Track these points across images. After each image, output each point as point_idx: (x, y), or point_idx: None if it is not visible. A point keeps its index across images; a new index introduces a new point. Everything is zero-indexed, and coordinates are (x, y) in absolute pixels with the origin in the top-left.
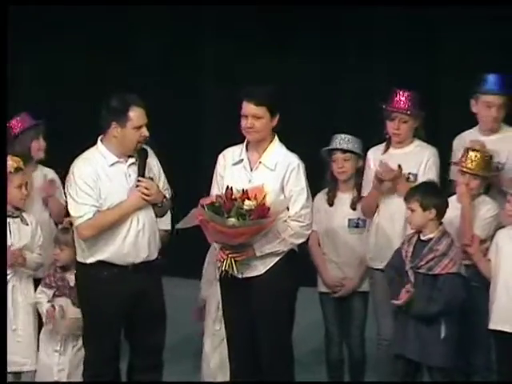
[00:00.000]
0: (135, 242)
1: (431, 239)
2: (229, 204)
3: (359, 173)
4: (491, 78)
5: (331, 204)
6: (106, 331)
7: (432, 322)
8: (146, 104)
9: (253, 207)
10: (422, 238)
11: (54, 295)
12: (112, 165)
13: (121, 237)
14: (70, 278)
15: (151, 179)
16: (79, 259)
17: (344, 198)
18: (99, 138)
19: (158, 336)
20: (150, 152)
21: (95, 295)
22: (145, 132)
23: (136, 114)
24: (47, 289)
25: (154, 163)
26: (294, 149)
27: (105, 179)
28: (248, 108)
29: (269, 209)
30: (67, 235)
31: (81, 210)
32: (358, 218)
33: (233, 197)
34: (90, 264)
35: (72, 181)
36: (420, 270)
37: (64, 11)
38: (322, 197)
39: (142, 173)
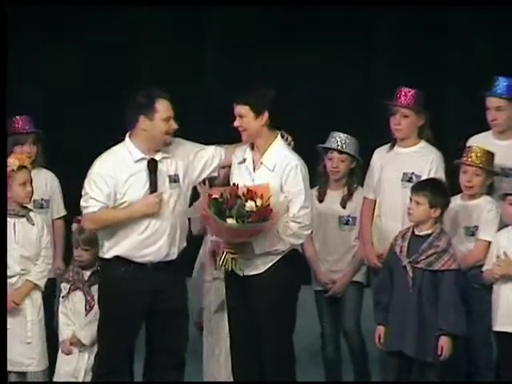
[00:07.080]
0: (152, 240)
1: (429, 235)
2: (232, 201)
3: (352, 172)
4: (493, 81)
5: (321, 200)
6: (121, 328)
7: (430, 319)
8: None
9: (254, 209)
10: (418, 233)
11: (70, 289)
12: (137, 161)
13: (136, 233)
14: (85, 272)
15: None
16: (100, 254)
17: (334, 195)
18: (127, 134)
19: (178, 336)
20: (184, 144)
21: (112, 291)
22: (173, 124)
23: (163, 106)
24: (66, 283)
25: (181, 162)
26: (294, 148)
27: (126, 175)
28: (234, 109)
29: (271, 210)
30: (83, 234)
31: (88, 202)
32: (349, 216)
33: (237, 194)
34: (109, 259)
35: (91, 172)
36: (418, 265)
37: (63, 11)
38: (312, 193)
39: (153, 188)
